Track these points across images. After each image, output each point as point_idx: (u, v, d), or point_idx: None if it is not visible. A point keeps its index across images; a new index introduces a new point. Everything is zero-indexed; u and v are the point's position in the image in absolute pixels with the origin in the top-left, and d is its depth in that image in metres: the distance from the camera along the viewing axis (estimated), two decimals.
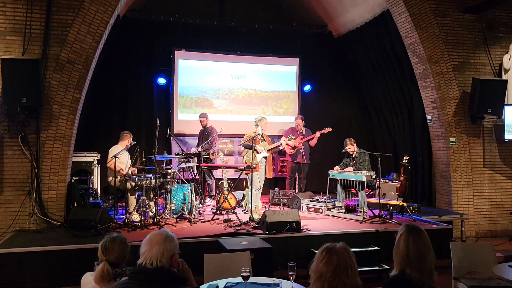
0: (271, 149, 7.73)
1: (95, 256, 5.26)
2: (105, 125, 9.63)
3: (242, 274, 3.10)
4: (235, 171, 9.21)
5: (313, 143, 9.07)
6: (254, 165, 6.90)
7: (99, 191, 8.50)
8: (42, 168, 6.49)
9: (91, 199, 7.62)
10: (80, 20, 6.59)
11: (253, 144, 7.00)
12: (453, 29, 8.10)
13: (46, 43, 6.45)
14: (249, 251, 4.18)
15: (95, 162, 8.54)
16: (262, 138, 7.52)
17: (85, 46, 6.64)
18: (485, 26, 8.24)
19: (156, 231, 2.57)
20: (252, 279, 3.26)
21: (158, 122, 6.63)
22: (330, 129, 8.92)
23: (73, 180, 7.14)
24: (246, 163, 7.17)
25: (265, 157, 7.45)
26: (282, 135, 9.38)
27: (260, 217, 6.79)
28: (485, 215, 8.15)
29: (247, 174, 7.04)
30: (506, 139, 7.89)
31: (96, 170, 8.63)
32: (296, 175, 9.19)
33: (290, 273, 3.16)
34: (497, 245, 7.27)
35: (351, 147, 7.67)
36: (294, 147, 8.89)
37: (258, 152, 7.21)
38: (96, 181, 8.58)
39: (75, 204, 6.70)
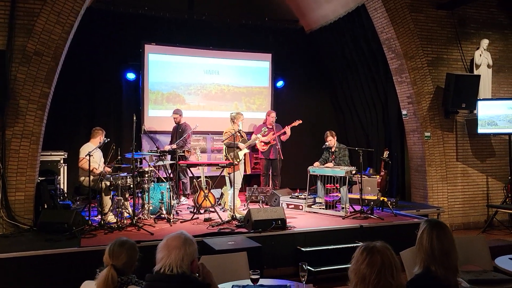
0: (249, 145, 7.56)
1: (72, 261, 4.95)
2: (71, 122, 9.16)
3: (251, 277, 2.92)
4: (208, 168, 8.99)
5: (284, 138, 8.95)
6: (237, 162, 6.70)
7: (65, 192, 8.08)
8: (8, 168, 6.02)
9: (59, 200, 7.19)
10: (49, 9, 6.15)
11: (235, 142, 6.80)
12: (427, 24, 8.20)
13: (11, 34, 5.97)
14: (246, 251, 3.97)
15: (62, 161, 8.10)
16: (239, 134, 7.34)
17: (54, 37, 6.21)
18: (457, 22, 8.39)
19: (173, 234, 2.33)
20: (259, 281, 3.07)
21: (135, 118, 6.30)
22: (301, 121, 8.83)
23: (39, 181, 6.70)
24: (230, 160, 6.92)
25: (244, 154, 7.27)
26: (253, 132, 9.22)
27: (240, 215, 6.63)
28: (458, 208, 8.31)
29: (230, 173, 6.81)
30: (480, 133, 8.05)
31: (63, 170, 8.19)
32: (270, 172, 9.06)
33: (301, 273, 2.99)
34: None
35: (331, 139, 7.59)
36: (267, 143, 8.76)
37: (240, 149, 7.01)
38: (63, 181, 8.14)
39: (45, 206, 6.27)
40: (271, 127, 8.75)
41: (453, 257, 2.48)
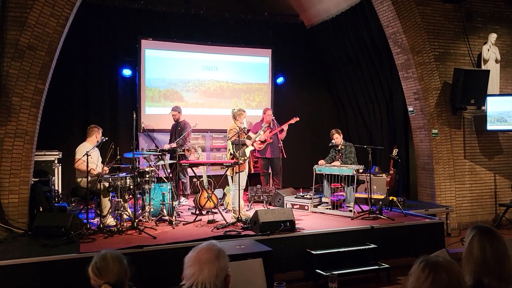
0: (253, 142, 7.27)
1: (71, 268, 4.64)
2: (65, 121, 8.86)
3: None
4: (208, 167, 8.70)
5: (282, 136, 8.63)
6: (241, 162, 6.42)
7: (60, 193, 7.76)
8: (1, 169, 5.67)
9: (54, 202, 6.87)
10: (43, 1, 5.80)
11: (244, 139, 6.52)
12: (434, 18, 7.96)
13: (2, 27, 5.63)
14: (261, 258, 3.70)
15: (56, 161, 7.77)
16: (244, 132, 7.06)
17: (48, 30, 5.87)
18: (464, 16, 8.16)
19: (203, 245, 2.03)
20: None
21: (135, 116, 6.00)
22: (297, 119, 8.56)
23: (33, 182, 6.36)
24: (238, 159, 6.57)
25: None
26: (249, 130, 8.92)
27: (245, 217, 6.35)
28: (466, 207, 8.09)
29: (237, 172, 6.50)
30: (489, 130, 7.84)
31: (57, 170, 7.86)
32: (270, 171, 8.76)
33: (332, 285, 2.72)
34: None
35: (338, 137, 7.33)
36: (263, 141, 8.47)
37: (247, 146, 6.72)
38: (57, 182, 7.81)
39: (41, 209, 5.94)
40: (268, 124, 8.49)
41: (508, 266, 2.23)
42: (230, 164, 6.38)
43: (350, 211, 6.73)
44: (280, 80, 10.52)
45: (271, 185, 8.60)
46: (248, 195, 8.05)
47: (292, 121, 8.52)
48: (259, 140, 8.37)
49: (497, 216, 8.12)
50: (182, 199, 8.22)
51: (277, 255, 5.35)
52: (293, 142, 9.85)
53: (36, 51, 5.82)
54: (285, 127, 8.53)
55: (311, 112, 10.60)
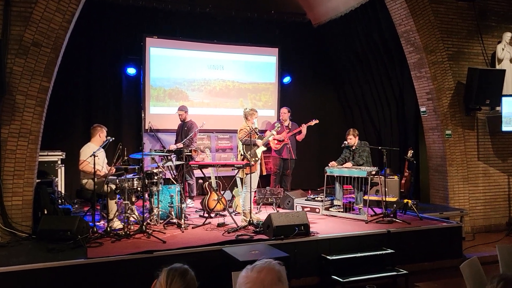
0: (264, 142, 7.07)
1: (79, 275, 4.42)
2: (67, 120, 8.60)
3: None
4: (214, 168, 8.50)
5: (300, 137, 8.55)
6: (253, 162, 6.21)
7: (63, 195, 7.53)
8: (4, 170, 5.45)
9: (58, 204, 6.64)
10: None
11: (255, 139, 6.31)
12: (448, 16, 7.78)
13: (6, 22, 5.40)
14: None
15: (59, 162, 7.54)
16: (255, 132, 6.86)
17: (54, 26, 5.65)
18: (478, 14, 7.98)
19: (262, 265, 1.80)
20: None
21: (143, 115, 5.79)
22: (317, 121, 8.44)
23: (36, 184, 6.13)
24: (249, 161, 6.36)
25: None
26: (266, 130, 8.79)
27: (256, 220, 6.14)
28: (479, 210, 7.90)
29: (247, 173, 6.29)
30: (504, 131, 7.64)
31: (61, 171, 7.63)
32: (281, 172, 8.58)
33: None
34: (497, 241, 7.05)
35: (352, 139, 7.09)
36: (281, 140, 8.30)
37: (258, 147, 6.52)
38: (60, 183, 7.58)
39: (45, 212, 5.72)
40: (287, 124, 8.32)
41: None
42: (241, 165, 6.16)
43: (360, 209, 6.56)
44: (287, 79, 10.32)
45: (280, 186, 8.42)
46: (256, 197, 7.84)
47: (312, 123, 8.40)
48: (276, 140, 8.21)
49: (511, 219, 7.94)
50: (188, 201, 8.01)
51: (291, 260, 5.15)
52: (298, 143, 9.64)
53: (41, 48, 5.60)
54: (304, 128, 8.38)
55: (318, 112, 10.32)
